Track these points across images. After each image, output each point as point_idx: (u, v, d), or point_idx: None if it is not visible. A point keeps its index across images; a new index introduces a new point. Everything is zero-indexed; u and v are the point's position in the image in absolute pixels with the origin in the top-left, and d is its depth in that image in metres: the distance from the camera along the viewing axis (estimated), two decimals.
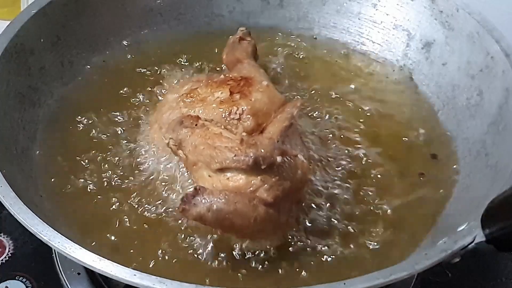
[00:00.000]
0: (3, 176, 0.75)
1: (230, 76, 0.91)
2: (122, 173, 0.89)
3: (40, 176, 0.88)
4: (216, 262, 0.79)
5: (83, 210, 0.85)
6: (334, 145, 0.94)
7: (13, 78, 0.91)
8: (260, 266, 0.79)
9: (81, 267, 0.90)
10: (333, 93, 1.04)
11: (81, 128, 0.96)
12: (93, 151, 0.92)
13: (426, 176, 0.91)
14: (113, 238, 0.81)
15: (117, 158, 0.91)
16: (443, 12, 1.03)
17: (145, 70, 1.07)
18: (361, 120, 0.99)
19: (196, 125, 0.81)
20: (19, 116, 0.91)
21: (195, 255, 0.80)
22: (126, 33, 1.10)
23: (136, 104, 1.00)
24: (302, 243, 0.81)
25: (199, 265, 0.79)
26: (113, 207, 0.85)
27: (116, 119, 0.97)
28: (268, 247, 0.80)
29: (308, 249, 0.80)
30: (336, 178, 0.89)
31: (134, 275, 0.64)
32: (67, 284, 0.89)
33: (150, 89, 1.02)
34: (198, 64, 1.08)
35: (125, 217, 0.84)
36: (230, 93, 0.86)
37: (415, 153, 0.95)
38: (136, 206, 0.85)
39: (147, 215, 0.84)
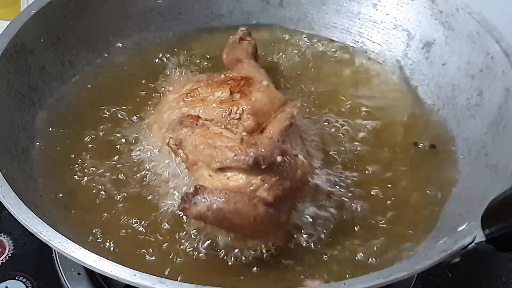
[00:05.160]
0: (3, 176, 0.75)
1: (230, 75, 0.91)
2: (122, 173, 0.89)
3: (40, 176, 0.88)
4: (216, 262, 0.79)
5: (83, 210, 0.85)
6: (333, 145, 0.94)
7: (13, 78, 0.91)
8: (260, 266, 0.79)
9: (81, 267, 0.90)
10: (333, 93, 1.04)
11: (81, 128, 0.95)
12: (93, 151, 0.92)
13: (427, 172, 0.92)
14: (113, 237, 0.81)
15: (117, 158, 0.91)
16: (443, 12, 1.03)
17: (145, 70, 1.07)
18: (360, 120, 0.99)
19: (196, 124, 0.81)
20: (19, 116, 0.91)
21: (195, 255, 0.80)
22: (126, 33, 1.10)
23: (136, 104, 1.00)
24: (302, 243, 0.81)
25: (199, 264, 0.79)
26: (113, 206, 0.85)
27: (116, 119, 0.97)
28: (268, 246, 0.80)
29: (308, 248, 0.80)
30: (336, 178, 0.89)
31: (134, 275, 0.64)
32: (67, 284, 0.89)
33: (150, 89, 1.02)
34: (198, 64, 1.08)
35: (125, 216, 0.84)
36: (230, 93, 0.86)
37: (415, 153, 0.95)
38: (136, 206, 0.85)
39: (147, 215, 0.84)
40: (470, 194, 0.85)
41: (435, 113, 1.01)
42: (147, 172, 0.89)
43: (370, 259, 0.80)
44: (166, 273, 0.77)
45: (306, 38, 1.14)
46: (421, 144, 0.96)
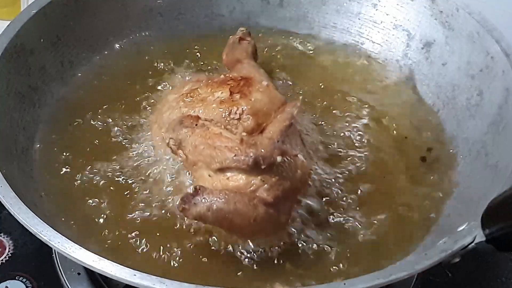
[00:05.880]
0: (3, 176, 0.75)
1: (230, 76, 0.91)
2: (121, 173, 0.89)
3: (40, 176, 0.88)
4: (217, 262, 0.79)
5: (83, 210, 0.85)
6: (333, 145, 0.94)
7: (13, 78, 0.91)
8: (260, 266, 0.79)
9: (81, 267, 0.90)
10: (333, 93, 1.04)
11: (81, 128, 0.96)
12: (93, 151, 0.92)
13: (427, 172, 0.92)
14: (113, 238, 0.81)
15: (117, 158, 0.91)
16: (443, 12, 1.03)
17: (145, 70, 1.07)
18: (360, 120, 0.99)
19: (196, 125, 0.81)
20: (19, 116, 0.91)
21: (195, 255, 0.80)
22: (126, 33, 1.10)
23: (136, 103, 1.00)
24: (302, 242, 0.81)
25: (199, 264, 0.79)
26: (113, 206, 0.85)
27: (116, 119, 0.97)
28: (268, 246, 0.80)
29: (308, 248, 0.80)
30: (335, 177, 0.89)
31: (134, 275, 0.64)
32: (67, 284, 0.89)
33: (150, 89, 1.02)
34: (198, 64, 1.08)
35: (125, 216, 0.84)
36: (230, 93, 0.86)
37: (415, 153, 0.95)
38: (136, 206, 0.85)
39: (147, 215, 0.84)
40: (470, 194, 0.85)
41: (435, 113, 1.01)
42: (147, 172, 0.88)
43: (369, 259, 0.80)
44: (166, 272, 0.77)
45: (306, 38, 1.14)
46: (421, 144, 0.96)
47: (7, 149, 0.86)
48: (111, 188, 0.87)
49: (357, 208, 0.86)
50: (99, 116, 0.97)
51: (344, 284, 0.65)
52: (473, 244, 0.67)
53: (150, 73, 1.06)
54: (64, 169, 0.90)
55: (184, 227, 0.82)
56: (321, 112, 1.00)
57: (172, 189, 0.86)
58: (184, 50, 1.10)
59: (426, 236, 0.83)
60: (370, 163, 0.92)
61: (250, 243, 0.79)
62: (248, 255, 0.79)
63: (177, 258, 0.79)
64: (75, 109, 0.99)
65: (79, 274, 0.90)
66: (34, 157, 0.90)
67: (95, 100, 1.00)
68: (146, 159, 0.90)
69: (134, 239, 0.81)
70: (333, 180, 0.88)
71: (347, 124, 0.98)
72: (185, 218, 0.80)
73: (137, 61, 1.08)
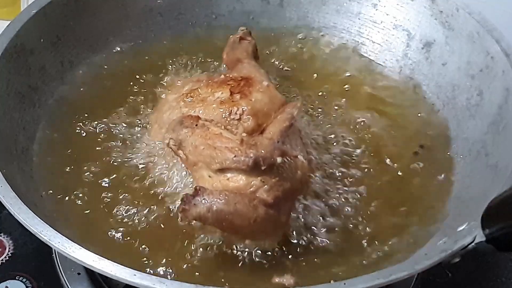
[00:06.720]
0: (3, 176, 0.75)
1: (231, 76, 0.91)
2: (122, 173, 0.89)
3: (40, 176, 0.88)
4: (216, 262, 0.79)
5: (83, 210, 0.85)
6: (333, 145, 0.94)
7: (13, 78, 0.91)
8: (260, 266, 0.79)
9: (81, 267, 0.90)
10: (333, 93, 1.04)
11: (81, 128, 0.96)
12: (93, 151, 0.92)
13: (427, 172, 0.92)
14: (113, 238, 0.81)
15: (117, 158, 0.91)
16: (443, 12, 1.03)
17: (145, 70, 1.06)
18: (360, 121, 0.99)
19: (196, 125, 0.81)
20: (19, 116, 0.91)
21: (195, 255, 0.80)
22: (126, 33, 1.10)
23: (136, 104, 1.00)
24: (302, 243, 0.81)
25: (199, 264, 0.79)
26: (113, 206, 0.85)
27: (116, 119, 0.97)
28: (268, 247, 0.80)
29: (308, 249, 0.80)
30: (335, 178, 0.89)
31: (134, 275, 0.64)
32: (67, 284, 0.89)
33: (150, 89, 1.02)
34: (198, 64, 1.08)
35: (125, 217, 0.84)
36: (230, 93, 0.86)
37: (415, 153, 0.95)
38: (136, 206, 0.85)
39: (147, 215, 0.84)
40: (470, 194, 0.85)
41: (435, 113, 1.01)
42: (146, 172, 0.88)
43: (369, 259, 0.80)
44: (163, 272, 0.77)
45: (306, 38, 1.14)
46: (421, 144, 0.96)
47: (7, 149, 0.86)
48: (111, 188, 0.87)
49: (356, 208, 0.86)
50: (99, 116, 0.97)
51: (344, 284, 0.65)
52: (473, 244, 0.67)
53: (150, 73, 1.06)
54: (64, 169, 0.90)
55: (183, 228, 0.82)
56: (321, 112, 1.00)
57: (172, 189, 0.86)
58: (184, 50, 1.10)
59: (426, 236, 0.82)
60: (369, 163, 0.92)
61: (250, 244, 0.79)
62: (248, 255, 0.79)
63: (176, 258, 0.79)
64: (75, 109, 0.99)
65: (79, 274, 0.90)
66: (34, 157, 0.90)
67: (95, 100, 1.01)
68: (146, 160, 0.90)
69: (133, 239, 0.81)
70: (332, 181, 0.88)
71: (346, 124, 0.98)
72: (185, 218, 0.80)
73: (137, 61, 1.08)
